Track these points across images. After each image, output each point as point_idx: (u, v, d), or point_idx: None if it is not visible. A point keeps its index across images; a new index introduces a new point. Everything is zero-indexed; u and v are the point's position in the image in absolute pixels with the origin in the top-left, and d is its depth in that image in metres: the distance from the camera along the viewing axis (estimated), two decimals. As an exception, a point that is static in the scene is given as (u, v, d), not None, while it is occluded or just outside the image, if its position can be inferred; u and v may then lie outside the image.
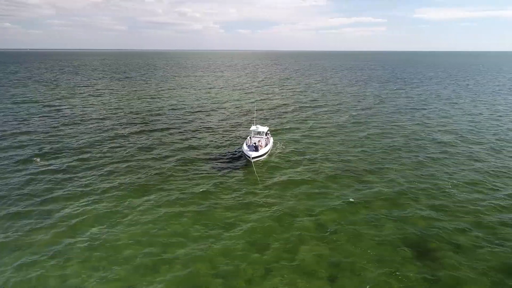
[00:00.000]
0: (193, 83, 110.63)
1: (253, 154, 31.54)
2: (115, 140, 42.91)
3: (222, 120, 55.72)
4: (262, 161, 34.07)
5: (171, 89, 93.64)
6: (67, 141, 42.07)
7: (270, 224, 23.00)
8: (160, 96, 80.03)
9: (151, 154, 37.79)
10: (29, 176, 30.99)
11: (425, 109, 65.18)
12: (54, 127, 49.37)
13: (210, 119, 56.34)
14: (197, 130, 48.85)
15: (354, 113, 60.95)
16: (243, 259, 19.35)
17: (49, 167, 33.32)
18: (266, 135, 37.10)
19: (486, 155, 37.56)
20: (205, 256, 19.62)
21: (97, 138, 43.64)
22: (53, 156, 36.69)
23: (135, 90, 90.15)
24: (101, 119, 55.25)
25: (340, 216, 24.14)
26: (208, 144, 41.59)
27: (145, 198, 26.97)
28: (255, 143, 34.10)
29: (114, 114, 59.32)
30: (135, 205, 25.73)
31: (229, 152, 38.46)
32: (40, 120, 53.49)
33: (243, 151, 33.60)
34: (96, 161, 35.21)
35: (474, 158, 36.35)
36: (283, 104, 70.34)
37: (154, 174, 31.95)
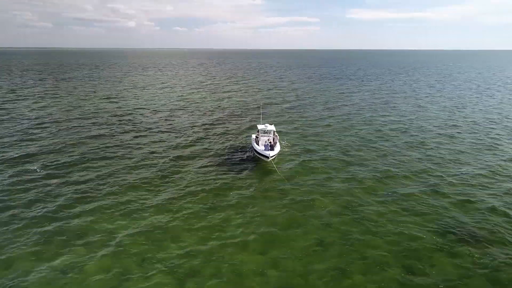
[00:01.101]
0: (151, 82, 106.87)
1: (271, 153, 31.92)
2: (104, 141, 40.86)
3: (203, 117, 55.49)
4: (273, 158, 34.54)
5: (130, 89, 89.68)
6: (52, 144, 39.06)
7: (309, 213, 24.06)
8: (124, 96, 76.41)
9: (150, 153, 36.87)
10: (31, 183, 28.66)
11: (386, 102, 71.82)
12: (20, 130, 45.21)
13: (193, 117, 55.67)
14: (186, 128, 48.15)
15: (326, 106, 64.96)
16: (294, 250, 19.95)
17: (47, 171, 31.01)
18: (273, 133, 37.04)
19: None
20: (250, 250, 19.94)
21: (82, 140, 41.14)
22: (46, 159, 34.03)
23: (93, 91, 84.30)
24: (73, 120, 51.67)
25: (367, 199, 26.56)
26: (206, 142, 41.55)
27: (164, 196, 26.55)
28: (270, 142, 33.98)
29: (84, 114, 55.71)
30: (162, 204, 25.31)
31: (230, 149, 39.03)
32: (0, 125, 48.36)
33: (257, 151, 33.16)
34: (95, 162, 33.56)
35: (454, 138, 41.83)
36: (253, 101, 71.69)
37: (164, 172, 31.42)
